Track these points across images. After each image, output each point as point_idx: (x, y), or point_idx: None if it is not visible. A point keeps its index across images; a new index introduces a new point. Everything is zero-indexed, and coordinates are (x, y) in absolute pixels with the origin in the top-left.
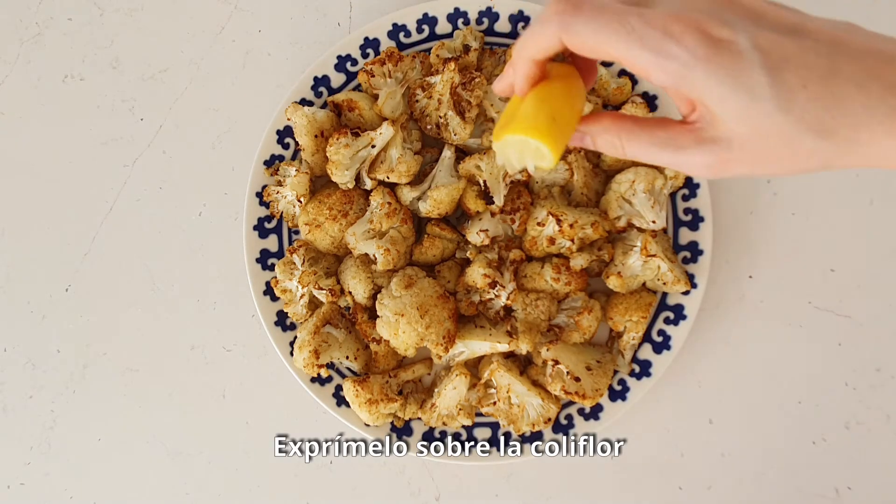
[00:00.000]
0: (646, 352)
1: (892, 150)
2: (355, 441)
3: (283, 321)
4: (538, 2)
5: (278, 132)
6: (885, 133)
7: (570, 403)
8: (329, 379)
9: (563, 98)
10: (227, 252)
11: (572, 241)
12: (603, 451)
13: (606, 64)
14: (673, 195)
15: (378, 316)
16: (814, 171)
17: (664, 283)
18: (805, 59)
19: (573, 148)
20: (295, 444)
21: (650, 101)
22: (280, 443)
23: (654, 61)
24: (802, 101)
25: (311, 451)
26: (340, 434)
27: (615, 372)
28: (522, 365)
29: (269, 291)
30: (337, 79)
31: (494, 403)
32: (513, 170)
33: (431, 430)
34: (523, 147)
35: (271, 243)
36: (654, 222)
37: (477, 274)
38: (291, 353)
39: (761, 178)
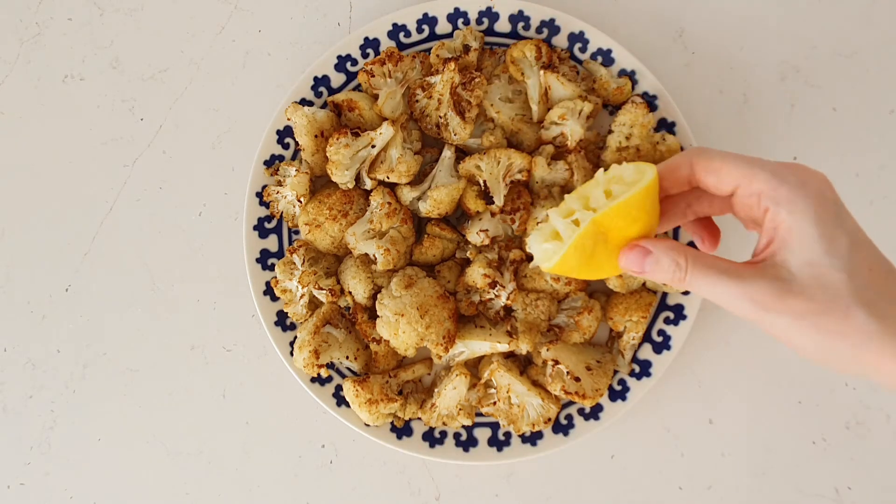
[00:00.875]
0: (646, 352)
1: None
2: (355, 441)
3: (283, 321)
4: (538, 1)
5: (278, 132)
6: None
7: (570, 403)
8: (329, 379)
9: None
10: (227, 252)
11: None
12: (603, 451)
13: (606, 63)
14: None
15: (378, 316)
16: (848, 365)
17: (664, 283)
18: (878, 253)
19: (573, 148)
20: (296, 444)
21: (650, 101)
22: (281, 443)
23: (771, 183)
24: (864, 278)
25: (312, 451)
26: (340, 434)
27: (615, 372)
28: (522, 365)
29: (269, 291)
30: (337, 79)
31: (494, 403)
32: (544, 260)
33: (431, 430)
34: (616, 178)
35: (271, 243)
36: None
37: (477, 274)
38: (291, 353)
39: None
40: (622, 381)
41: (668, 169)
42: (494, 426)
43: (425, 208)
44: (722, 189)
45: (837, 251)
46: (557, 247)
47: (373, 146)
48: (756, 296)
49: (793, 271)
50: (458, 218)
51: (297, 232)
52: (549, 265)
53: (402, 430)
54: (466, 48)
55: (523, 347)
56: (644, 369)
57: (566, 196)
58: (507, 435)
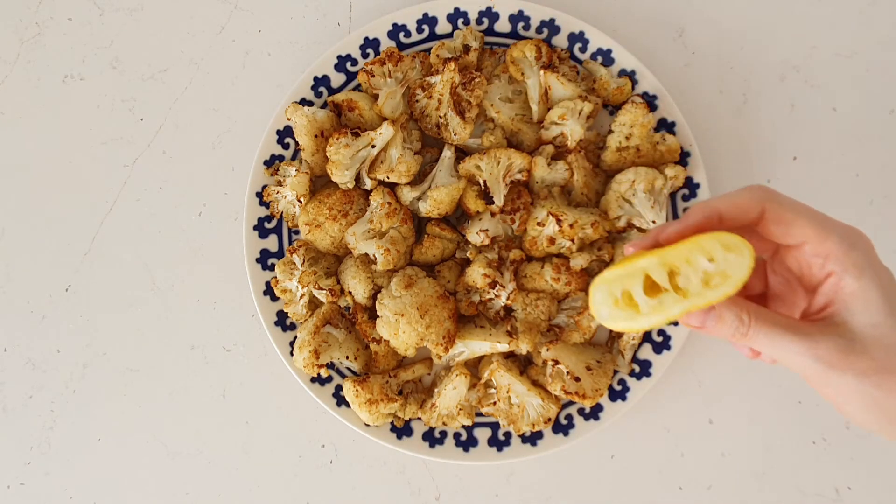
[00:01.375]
0: (646, 352)
1: None
2: (355, 441)
3: (283, 321)
4: (538, 1)
5: (278, 132)
6: None
7: (570, 403)
8: (329, 379)
9: None
10: (227, 252)
11: (572, 241)
12: (603, 451)
13: (606, 63)
14: (673, 195)
15: (378, 316)
16: None
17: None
18: None
19: (573, 148)
20: (296, 444)
21: (650, 101)
22: (281, 443)
23: (842, 247)
24: None
25: (312, 451)
26: (340, 434)
27: (615, 372)
28: (522, 365)
29: (269, 291)
30: (337, 79)
31: (494, 403)
32: (609, 320)
33: (431, 430)
34: (719, 273)
35: (271, 243)
36: (654, 222)
37: (477, 274)
38: (291, 353)
39: (858, 423)
40: (622, 381)
41: (738, 209)
42: (494, 426)
43: (425, 208)
44: (786, 241)
45: None
46: (631, 316)
47: (373, 146)
48: (822, 353)
49: (855, 331)
50: (458, 218)
51: (297, 232)
52: (612, 326)
53: (402, 430)
54: (466, 48)
55: (523, 347)
56: (644, 369)
57: (648, 258)
58: (507, 435)
